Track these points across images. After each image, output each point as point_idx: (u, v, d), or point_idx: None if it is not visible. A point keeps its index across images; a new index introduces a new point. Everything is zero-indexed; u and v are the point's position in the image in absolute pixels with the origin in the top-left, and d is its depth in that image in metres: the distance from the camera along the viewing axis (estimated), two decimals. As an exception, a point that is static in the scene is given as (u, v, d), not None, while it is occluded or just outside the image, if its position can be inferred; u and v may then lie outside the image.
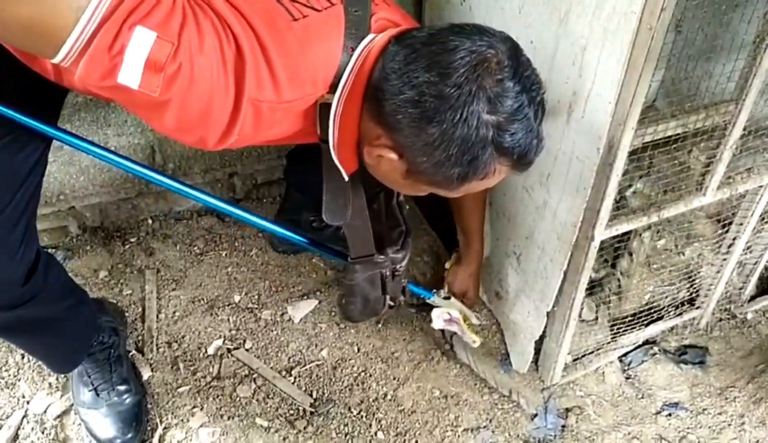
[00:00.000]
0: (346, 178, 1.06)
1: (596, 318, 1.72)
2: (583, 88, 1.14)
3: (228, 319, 1.72)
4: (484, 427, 1.56)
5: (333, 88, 0.96)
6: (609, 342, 1.70)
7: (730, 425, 1.60)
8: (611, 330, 1.70)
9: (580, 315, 1.48)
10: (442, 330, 1.71)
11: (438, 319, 1.56)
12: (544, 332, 1.54)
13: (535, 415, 1.59)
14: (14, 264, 1.13)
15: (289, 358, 1.65)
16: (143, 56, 0.79)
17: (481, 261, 1.61)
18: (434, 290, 1.57)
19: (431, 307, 1.57)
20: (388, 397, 1.60)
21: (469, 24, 0.95)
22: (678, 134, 1.23)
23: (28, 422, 1.49)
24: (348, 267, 1.26)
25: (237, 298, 1.76)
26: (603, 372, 1.69)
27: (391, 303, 1.39)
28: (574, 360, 1.66)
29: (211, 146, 0.94)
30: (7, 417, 1.49)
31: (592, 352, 1.69)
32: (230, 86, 0.87)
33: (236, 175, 1.96)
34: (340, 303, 1.38)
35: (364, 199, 1.15)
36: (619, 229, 1.32)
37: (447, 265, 1.66)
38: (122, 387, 1.50)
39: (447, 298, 1.56)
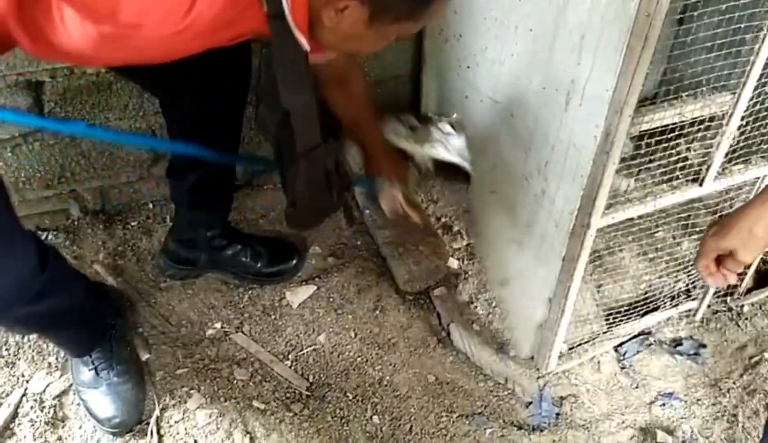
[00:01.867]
0: (307, 47, 1.04)
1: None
2: (581, 76, 1.15)
3: (227, 303, 1.73)
4: (479, 414, 1.57)
5: None
6: (605, 332, 1.71)
7: (723, 416, 1.61)
8: (606, 320, 1.71)
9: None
10: (439, 317, 1.73)
11: (387, 204, 1.54)
12: (540, 320, 1.56)
13: (530, 403, 1.61)
14: (27, 255, 1.15)
15: (287, 343, 1.67)
16: None
17: (391, 150, 1.54)
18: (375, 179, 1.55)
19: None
20: (384, 382, 1.61)
21: None
22: (675, 123, 1.23)
23: (27, 401, 1.50)
24: (290, 170, 1.23)
25: (236, 282, 1.77)
26: (598, 362, 1.70)
27: (338, 202, 1.36)
28: (570, 349, 1.68)
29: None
30: (7, 396, 1.50)
31: (587, 341, 1.70)
32: None
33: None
34: (287, 213, 1.32)
35: (310, 79, 1.13)
36: (615, 218, 1.33)
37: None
38: (122, 368, 1.51)
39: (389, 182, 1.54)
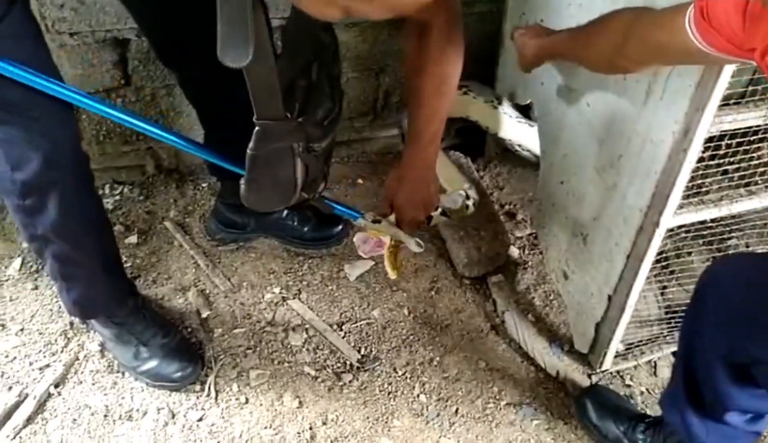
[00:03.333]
0: None
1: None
2: (664, 68, 1.11)
3: (287, 270, 1.77)
4: (527, 404, 1.56)
5: None
6: (665, 336, 1.66)
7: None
8: (668, 323, 1.66)
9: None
10: (495, 305, 1.72)
11: (362, 244, 1.38)
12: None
13: (579, 398, 1.58)
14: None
15: (341, 314, 1.69)
16: None
17: (423, 172, 1.32)
18: (364, 212, 1.39)
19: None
20: (434, 363, 1.62)
21: None
22: (759, 126, 1.18)
23: (87, 355, 1.58)
24: (254, 132, 1.07)
25: (294, 250, 1.80)
26: (655, 365, 1.65)
27: (305, 194, 1.20)
28: (626, 349, 1.64)
29: None
30: (63, 348, 1.59)
31: (645, 343, 1.66)
32: None
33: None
34: (242, 184, 1.15)
35: (268, 36, 0.97)
36: (687, 219, 1.28)
37: None
38: (163, 329, 1.55)
39: (377, 222, 1.36)
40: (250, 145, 1.08)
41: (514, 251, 1.83)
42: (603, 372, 1.62)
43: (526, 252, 1.84)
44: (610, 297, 1.46)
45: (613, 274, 1.43)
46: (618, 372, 1.63)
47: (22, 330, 1.59)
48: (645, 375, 1.64)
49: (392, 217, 1.37)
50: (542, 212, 1.75)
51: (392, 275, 1.38)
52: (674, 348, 1.67)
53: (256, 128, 1.06)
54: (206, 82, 1.43)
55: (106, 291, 1.47)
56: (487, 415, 1.54)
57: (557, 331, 1.70)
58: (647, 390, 1.62)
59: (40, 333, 1.59)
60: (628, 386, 1.62)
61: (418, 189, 1.32)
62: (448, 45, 1.19)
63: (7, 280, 1.68)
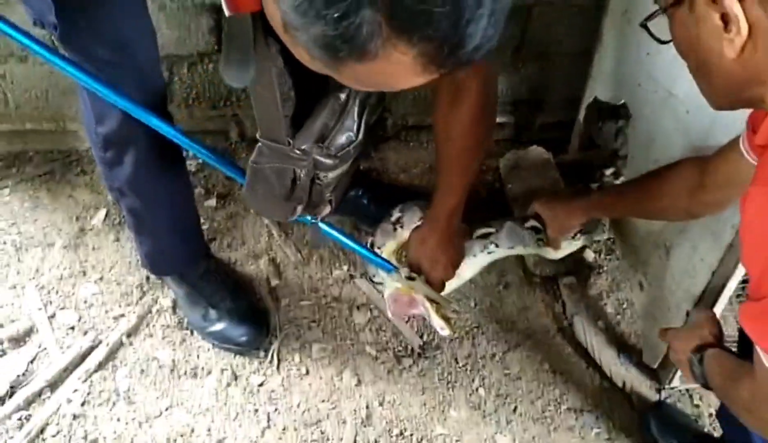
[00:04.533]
0: (227, 12, 0.78)
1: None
2: None
3: (357, 248, 1.77)
4: (589, 412, 1.52)
5: None
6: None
7: None
8: (748, 347, 1.58)
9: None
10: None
11: (393, 303, 1.34)
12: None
13: (644, 413, 1.53)
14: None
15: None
16: None
17: (447, 233, 1.29)
18: (398, 267, 1.33)
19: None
20: (496, 358, 1.59)
21: None
22: None
23: (158, 311, 1.63)
24: (256, 147, 1.07)
25: (365, 228, 1.80)
26: (728, 389, 1.58)
27: (305, 214, 1.16)
28: (699, 368, 1.57)
29: None
30: (136, 304, 1.65)
31: (720, 365, 1.58)
32: None
33: (389, 113, 1.99)
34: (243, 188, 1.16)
35: (278, 61, 0.91)
36: (785, 240, 1.21)
37: None
38: (233, 294, 1.58)
39: (411, 279, 1.31)
40: (252, 156, 1.09)
41: (590, 254, 1.78)
42: (671, 388, 1.56)
43: (602, 256, 1.78)
44: (688, 314, 1.40)
45: (694, 290, 1.37)
46: (687, 390, 1.57)
47: (101, 278, 1.66)
48: (715, 397, 1.57)
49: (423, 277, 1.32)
50: (624, 218, 1.69)
51: (446, 331, 1.31)
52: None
53: (258, 143, 1.06)
54: None
55: (177, 249, 1.51)
56: (546, 418, 1.51)
57: (627, 341, 1.64)
58: (716, 411, 1.55)
59: (118, 284, 1.65)
60: (696, 406, 1.56)
61: (443, 250, 1.30)
62: (482, 113, 1.14)
63: (91, 230, 1.75)
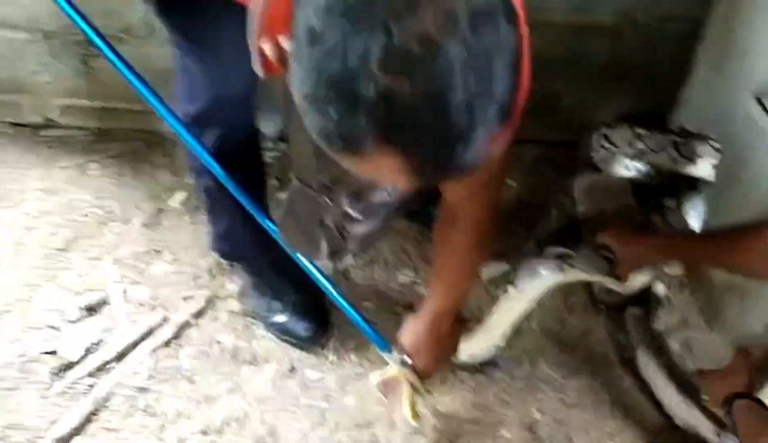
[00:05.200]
0: (260, 74, 0.80)
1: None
2: None
3: (420, 254, 1.78)
4: (645, 450, 1.49)
5: None
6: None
7: None
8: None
9: None
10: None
11: (384, 385, 1.38)
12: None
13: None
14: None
15: (467, 311, 1.68)
16: None
17: (437, 331, 1.31)
18: (394, 347, 1.34)
19: None
20: (555, 383, 1.57)
21: None
22: None
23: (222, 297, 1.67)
24: (291, 184, 1.09)
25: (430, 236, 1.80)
26: (796, 444, 1.51)
27: (332, 259, 1.17)
28: None
29: None
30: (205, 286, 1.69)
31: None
32: None
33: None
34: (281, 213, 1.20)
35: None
36: None
37: None
38: (298, 287, 1.60)
39: (404, 363, 1.33)
40: (288, 193, 1.13)
41: (660, 287, 1.73)
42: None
43: (672, 290, 1.73)
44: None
45: (766, 341, 1.32)
46: (751, 440, 1.51)
47: (174, 259, 1.71)
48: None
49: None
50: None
51: (412, 421, 1.36)
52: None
53: (293, 181, 1.09)
54: None
55: (247, 235, 1.53)
56: (602, 451, 1.48)
57: (690, 381, 1.59)
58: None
59: (190, 266, 1.70)
60: (760, 458, 1.50)
61: (428, 344, 1.32)
62: (477, 244, 1.18)
63: (169, 211, 1.81)
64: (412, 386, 1.36)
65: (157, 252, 1.72)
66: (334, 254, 1.19)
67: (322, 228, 1.12)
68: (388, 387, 1.41)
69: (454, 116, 0.59)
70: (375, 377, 1.41)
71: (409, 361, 1.33)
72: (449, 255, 1.22)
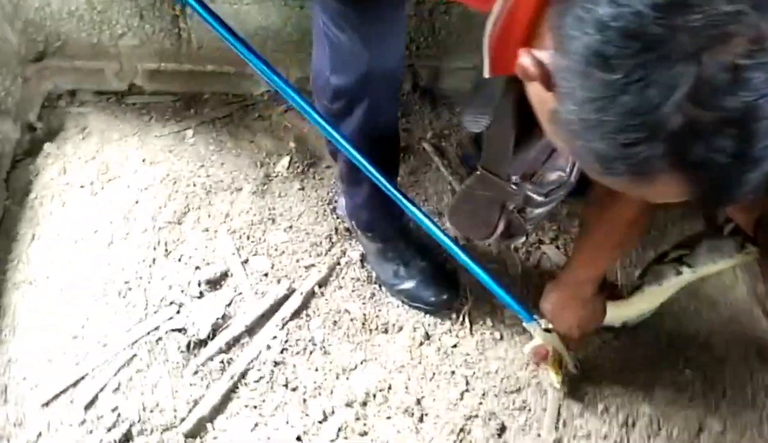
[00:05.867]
0: (486, 74, 0.80)
1: None
2: None
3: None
4: (804, 402, 1.44)
5: None
6: None
7: None
8: None
9: None
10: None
11: (533, 354, 1.40)
12: None
13: None
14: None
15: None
16: None
17: (577, 297, 1.31)
18: (536, 316, 1.33)
19: None
20: (700, 339, 1.52)
21: None
22: None
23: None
24: (474, 174, 1.10)
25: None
26: None
27: (501, 239, 1.21)
28: None
29: None
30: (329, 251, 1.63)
31: None
32: None
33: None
34: (454, 199, 1.25)
35: (512, 110, 0.94)
36: None
37: None
38: (424, 252, 1.55)
39: (548, 331, 1.32)
40: (467, 181, 1.15)
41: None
42: None
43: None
44: None
45: None
46: None
47: (290, 227, 1.64)
48: None
49: None
50: None
51: (557, 383, 1.39)
52: None
53: (478, 172, 1.10)
54: None
55: (383, 206, 1.47)
56: (758, 404, 1.43)
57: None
58: None
59: (307, 233, 1.63)
60: None
61: (570, 310, 1.32)
62: (638, 220, 1.18)
63: (276, 176, 1.73)
64: (557, 352, 1.35)
65: (272, 220, 1.65)
66: (510, 236, 1.20)
67: (503, 212, 1.14)
68: (538, 355, 1.39)
69: (755, 145, 0.57)
70: (527, 347, 1.39)
71: (551, 327, 1.31)
72: (606, 224, 1.20)
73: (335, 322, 1.52)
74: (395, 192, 1.28)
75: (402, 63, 1.27)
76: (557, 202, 1.15)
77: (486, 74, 0.79)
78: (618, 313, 1.44)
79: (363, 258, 1.60)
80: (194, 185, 1.69)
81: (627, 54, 0.57)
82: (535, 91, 0.72)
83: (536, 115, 0.75)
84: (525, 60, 0.68)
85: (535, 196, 1.10)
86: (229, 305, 1.52)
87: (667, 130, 0.57)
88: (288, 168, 1.75)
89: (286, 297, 1.53)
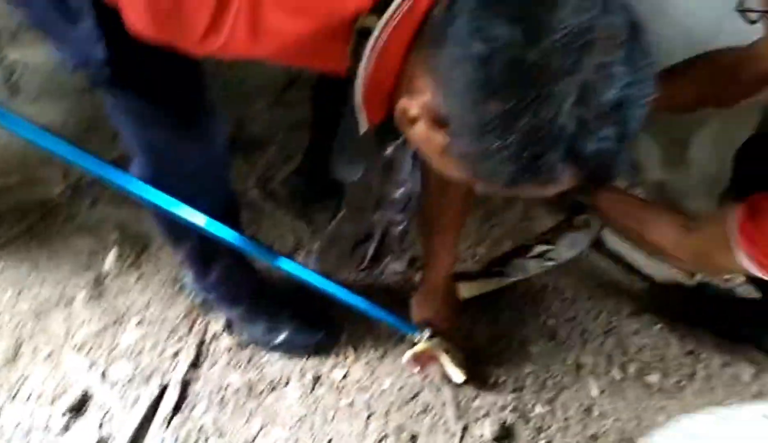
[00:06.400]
0: (362, 130, 0.85)
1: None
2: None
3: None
4: (645, 311, 1.63)
5: (378, 10, 0.74)
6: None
7: None
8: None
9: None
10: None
11: (413, 362, 1.44)
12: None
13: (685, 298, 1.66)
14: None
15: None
16: None
17: (447, 290, 1.43)
18: (419, 328, 1.41)
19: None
20: (549, 288, 1.67)
21: None
22: None
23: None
24: (339, 215, 1.18)
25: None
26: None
27: (369, 265, 1.30)
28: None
29: (194, 47, 0.77)
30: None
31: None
32: None
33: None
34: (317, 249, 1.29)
35: (378, 151, 1.04)
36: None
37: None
38: (288, 298, 1.54)
39: (432, 337, 1.40)
40: (333, 223, 1.23)
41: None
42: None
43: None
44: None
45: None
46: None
47: (141, 321, 1.55)
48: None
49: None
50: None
51: (461, 377, 1.42)
52: None
53: (342, 212, 1.19)
54: None
55: (240, 270, 1.44)
56: (613, 328, 1.61)
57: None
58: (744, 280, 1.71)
59: (162, 321, 1.55)
60: (727, 280, 1.71)
61: (447, 306, 1.43)
62: (464, 210, 1.33)
63: (108, 274, 1.62)
64: (447, 350, 1.42)
65: (119, 321, 1.54)
66: (379, 260, 1.27)
67: (369, 241, 1.21)
68: (420, 361, 1.45)
69: (631, 127, 0.68)
70: (405, 358, 1.44)
71: (428, 332, 1.39)
72: (442, 228, 1.31)
73: (221, 400, 1.45)
74: (260, 250, 1.26)
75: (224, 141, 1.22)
76: (411, 213, 1.20)
77: (362, 129, 0.83)
78: (472, 289, 1.52)
79: (229, 326, 1.55)
80: (19, 314, 1.53)
81: (514, 82, 0.64)
82: (419, 132, 0.75)
83: (421, 151, 0.80)
84: (408, 107, 0.74)
85: (395, 217, 1.16)
86: (101, 427, 1.40)
87: (564, 136, 0.65)
88: (117, 261, 1.64)
89: (161, 395, 1.44)
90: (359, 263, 1.25)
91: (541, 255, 1.44)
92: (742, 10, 0.93)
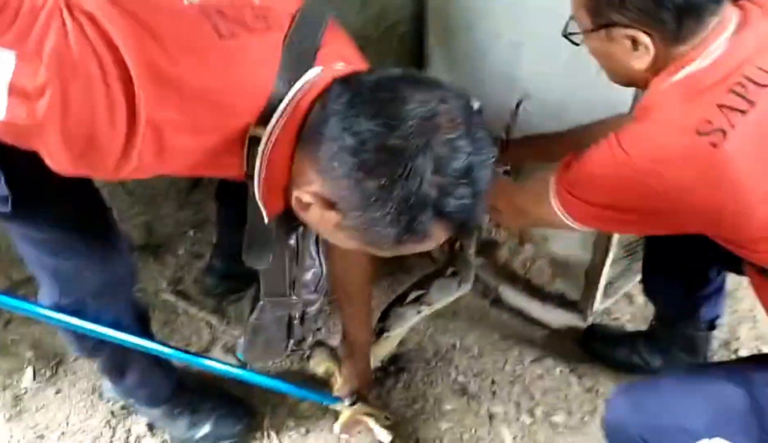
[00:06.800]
0: (266, 222, 0.97)
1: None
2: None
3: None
4: (547, 357, 1.76)
5: (264, 120, 0.86)
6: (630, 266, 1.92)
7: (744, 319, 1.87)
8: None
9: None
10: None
11: (344, 429, 1.51)
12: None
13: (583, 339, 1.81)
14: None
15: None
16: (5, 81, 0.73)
17: (367, 358, 1.52)
18: (340, 397, 1.50)
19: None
20: (457, 346, 1.78)
21: (424, 76, 0.95)
22: None
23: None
24: (258, 306, 1.22)
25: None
26: (631, 296, 1.92)
27: (294, 348, 1.37)
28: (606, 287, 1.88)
29: (109, 175, 0.84)
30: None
31: (618, 279, 1.92)
32: (118, 105, 0.78)
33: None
34: (243, 343, 1.33)
35: (284, 239, 1.11)
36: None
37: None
38: (207, 392, 1.60)
39: (354, 403, 1.49)
40: (254, 315, 1.23)
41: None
42: (593, 312, 1.86)
43: (495, 232, 2.05)
44: (595, 244, 1.70)
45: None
46: (604, 310, 1.88)
47: (62, 434, 1.56)
48: (625, 306, 1.91)
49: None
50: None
51: (388, 437, 1.50)
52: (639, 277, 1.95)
53: (261, 303, 1.20)
54: None
55: (158, 373, 1.48)
56: (518, 376, 1.73)
57: (544, 290, 1.92)
58: (632, 317, 1.88)
59: (83, 432, 1.57)
60: (616, 319, 1.88)
61: (368, 372, 1.54)
62: (370, 291, 1.47)
63: (26, 393, 1.62)
64: (371, 413, 1.50)
65: (40, 437, 1.55)
66: (300, 342, 1.33)
67: (290, 326, 1.26)
68: (349, 427, 1.52)
69: (480, 186, 0.84)
70: (336, 427, 1.51)
71: (349, 400, 1.47)
72: (350, 298, 1.43)
73: (150, 502, 1.47)
74: (171, 353, 1.32)
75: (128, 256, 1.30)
76: (323, 292, 1.29)
77: (266, 221, 0.96)
78: (373, 356, 1.59)
79: (151, 427, 1.58)
80: (-67, 446, 1.51)
81: (384, 162, 0.80)
82: (313, 215, 0.89)
83: (320, 231, 0.97)
84: (301, 196, 0.87)
85: (310, 297, 1.25)
86: None
87: (430, 200, 0.81)
88: (34, 379, 1.65)
89: (87, 507, 1.45)
90: (284, 348, 1.32)
91: (416, 300, 1.54)
92: (566, 36, 1.11)
